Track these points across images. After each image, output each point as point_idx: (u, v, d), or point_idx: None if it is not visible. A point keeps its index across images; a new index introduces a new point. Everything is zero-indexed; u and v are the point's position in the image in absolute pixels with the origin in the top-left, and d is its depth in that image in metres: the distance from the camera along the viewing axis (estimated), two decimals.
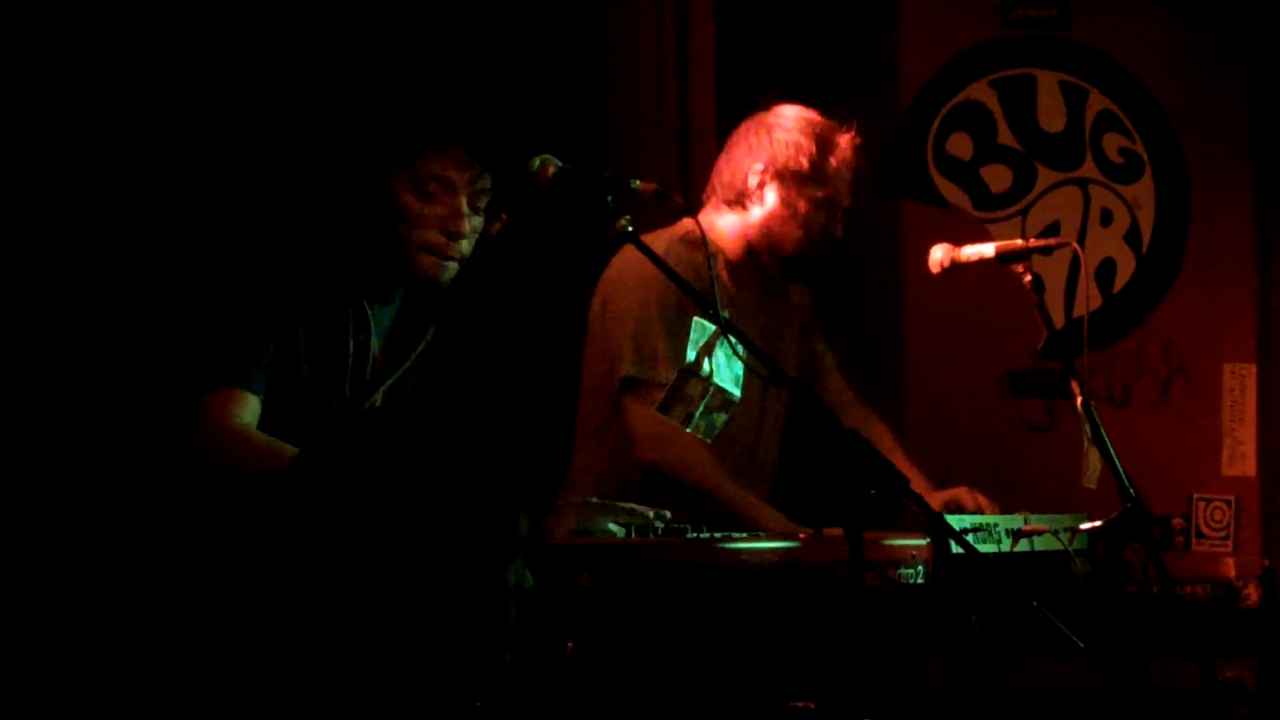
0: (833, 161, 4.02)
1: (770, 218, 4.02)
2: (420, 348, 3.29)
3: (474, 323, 3.40)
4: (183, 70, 3.91)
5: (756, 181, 4.02)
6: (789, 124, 4.04)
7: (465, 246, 3.23)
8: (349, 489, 3.06)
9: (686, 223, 3.89)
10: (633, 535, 3.35)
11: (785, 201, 4.01)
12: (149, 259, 3.83)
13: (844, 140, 4.03)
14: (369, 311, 3.24)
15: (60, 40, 3.77)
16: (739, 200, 4.04)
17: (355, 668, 3.11)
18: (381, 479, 3.08)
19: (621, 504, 3.46)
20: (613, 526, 3.35)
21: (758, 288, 4.08)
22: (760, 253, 4.05)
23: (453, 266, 3.23)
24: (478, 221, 3.25)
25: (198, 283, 3.49)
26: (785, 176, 4.00)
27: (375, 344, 3.25)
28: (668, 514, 3.47)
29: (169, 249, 3.84)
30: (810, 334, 4.25)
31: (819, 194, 4.02)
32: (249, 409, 3.13)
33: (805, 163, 4.00)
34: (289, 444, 3.11)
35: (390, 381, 3.25)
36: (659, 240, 3.77)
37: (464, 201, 3.21)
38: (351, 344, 3.22)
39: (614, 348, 3.93)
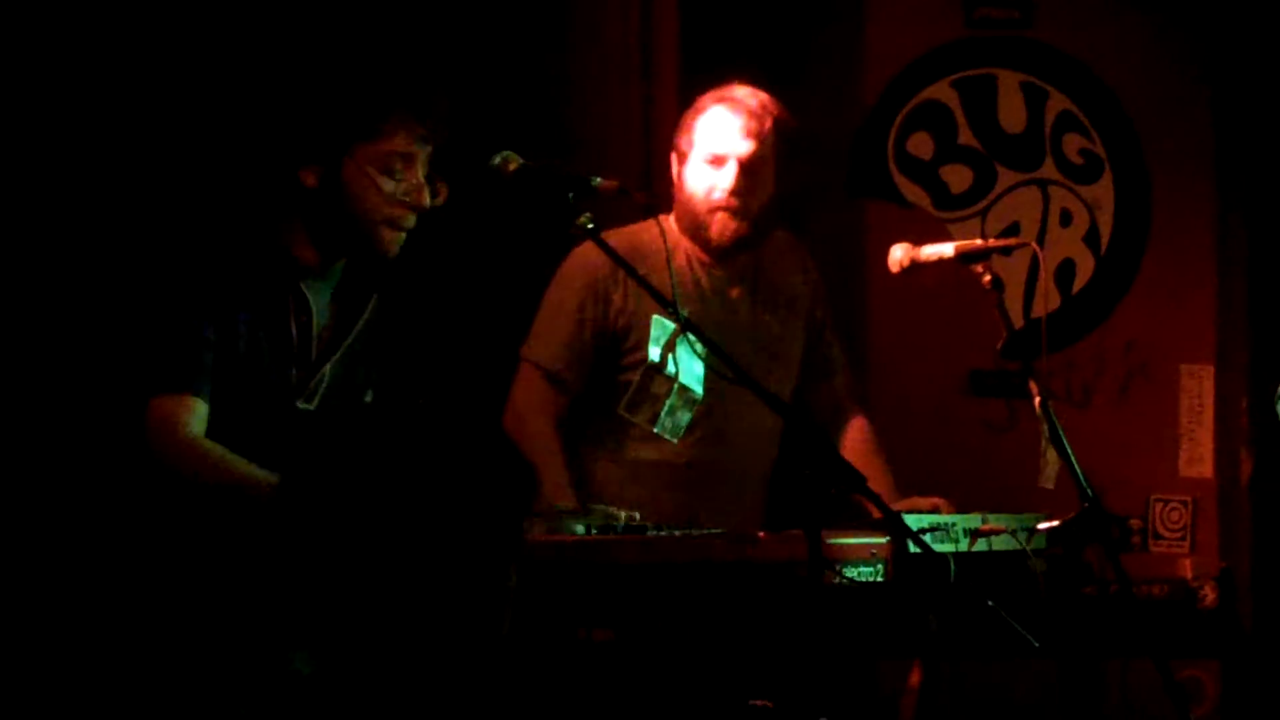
0: (697, 119, 3.95)
1: (677, 204, 3.99)
2: (362, 321, 3.32)
3: (417, 291, 3.46)
4: (126, 65, 3.87)
5: (675, 172, 4.00)
6: (695, 105, 4.00)
7: (414, 217, 3.28)
8: (344, 510, 3.10)
9: (648, 223, 3.87)
10: (594, 533, 3.37)
11: (678, 181, 3.98)
12: (84, 261, 3.79)
13: (710, 101, 3.96)
14: (307, 292, 3.26)
15: None
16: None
17: (362, 671, 3.16)
18: (375, 498, 3.12)
19: (595, 507, 3.48)
20: (579, 528, 3.37)
21: (734, 279, 4.04)
22: (696, 242, 3.99)
23: (403, 237, 3.27)
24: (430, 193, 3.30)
25: (135, 286, 3.46)
26: (677, 159, 3.98)
27: (317, 323, 3.27)
28: (637, 516, 3.49)
29: (102, 251, 3.80)
30: (821, 331, 4.19)
31: (698, 160, 3.94)
32: (196, 415, 3.13)
33: (681, 135, 3.96)
34: (239, 446, 3.12)
35: (336, 357, 3.28)
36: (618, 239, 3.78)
37: (421, 174, 3.25)
38: (294, 326, 3.24)
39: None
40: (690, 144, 3.95)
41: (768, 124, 3.93)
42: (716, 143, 3.92)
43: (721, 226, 3.94)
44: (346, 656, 3.15)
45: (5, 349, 3.70)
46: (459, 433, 3.53)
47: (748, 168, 3.92)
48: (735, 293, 4.02)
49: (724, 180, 3.92)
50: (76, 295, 3.75)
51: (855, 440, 4.11)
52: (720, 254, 3.99)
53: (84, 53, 3.82)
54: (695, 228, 3.96)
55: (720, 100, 3.95)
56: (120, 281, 3.67)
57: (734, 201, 3.92)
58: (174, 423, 3.11)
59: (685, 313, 3.32)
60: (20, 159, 3.75)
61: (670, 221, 3.98)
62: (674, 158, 4.00)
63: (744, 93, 3.96)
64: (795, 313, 4.11)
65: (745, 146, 3.92)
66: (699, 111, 3.96)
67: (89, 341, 3.71)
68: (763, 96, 3.97)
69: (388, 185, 3.22)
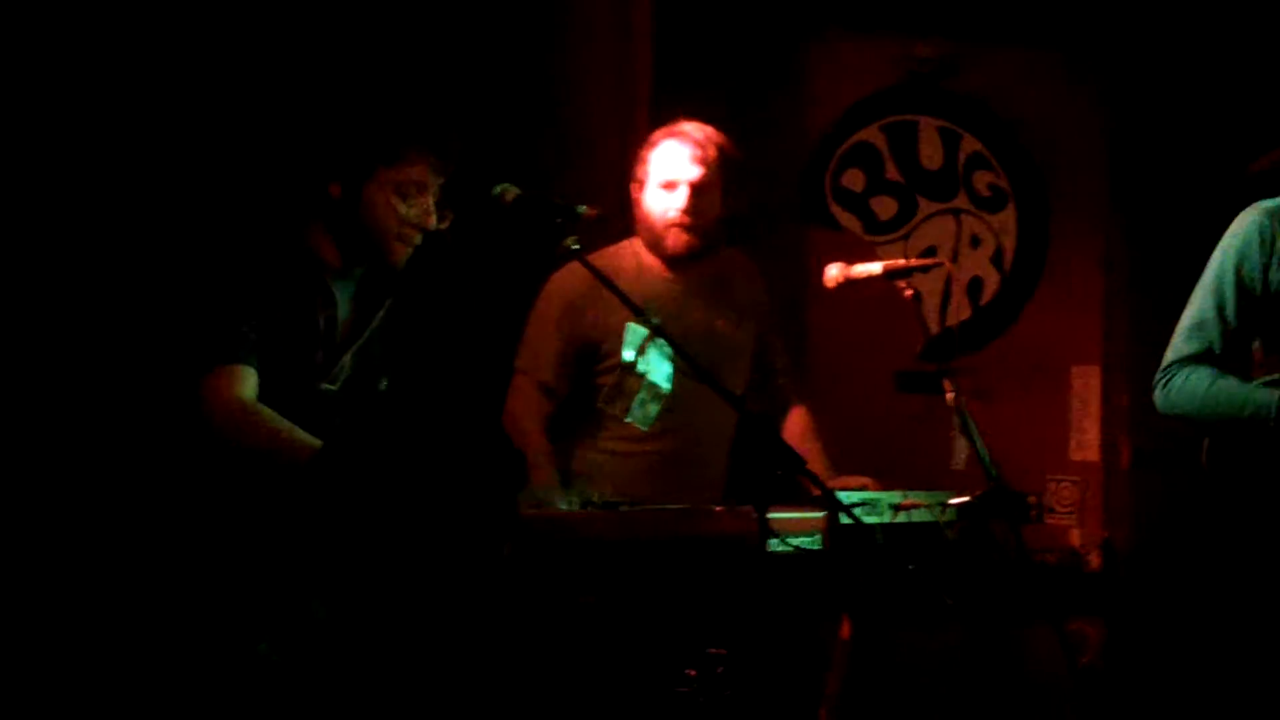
0: (652, 153, 3.92)
1: (639, 226, 3.95)
2: (378, 319, 3.32)
3: (427, 299, 3.45)
4: (184, 84, 3.85)
5: (636, 199, 3.95)
6: (649, 140, 3.98)
7: (420, 235, 3.29)
8: (369, 482, 3.08)
9: (625, 244, 3.92)
10: (576, 508, 3.36)
11: (636, 206, 3.94)
12: (139, 254, 3.75)
13: (663, 137, 3.93)
14: (333, 289, 3.25)
15: (52, 41, 3.68)
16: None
17: (375, 648, 3.16)
18: (399, 474, 3.10)
19: (576, 486, 3.50)
20: (561, 505, 3.37)
21: (692, 291, 3.98)
22: (656, 254, 3.94)
23: (410, 250, 3.27)
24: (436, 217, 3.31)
25: (187, 274, 3.42)
26: (634, 187, 3.94)
27: (341, 316, 3.26)
28: (608, 496, 3.49)
29: (160, 245, 3.76)
30: (768, 337, 4.13)
31: (654, 186, 3.90)
32: (250, 383, 3.09)
33: (637, 167, 3.94)
34: (287, 419, 3.10)
35: (355, 347, 3.27)
36: (600, 259, 3.74)
37: (432, 200, 3.25)
38: (321, 318, 3.22)
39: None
40: (647, 173, 3.92)
41: (712, 152, 3.89)
42: (669, 170, 3.90)
43: (675, 240, 3.91)
44: (359, 607, 3.14)
45: (61, 341, 3.68)
46: (461, 421, 3.53)
47: (697, 189, 3.88)
48: (695, 303, 3.99)
49: (677, 201, 3.89)
50: (134, 291, 3.73)
51: (797, 428, 4.08)
52: (676, 264, 3.96)
53: (166, 87, 3.83)
54: (654, 243, 3.93)
55: (671, 135, 3.92)
56: (175, 277, 3.63)
57: (686, 219, 3.89)
58: (230, 389, 3.08)
59: (656, 321, 3.33)
60: (91, 177, 3.74)
61: (639, 243, 3.98)
62: (634, 187, 3.97)
63: (691, 127, 3.93)
64: (746, 321, 4.07)
65: (694, 172, 3.88)
66: (653, 145, 3.94)
67: (142, 330, 3.69)
68: (708, 130, 3.93)
69: (401, 207, 3.22)
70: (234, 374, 3.08)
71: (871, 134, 5.20)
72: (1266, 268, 3.26)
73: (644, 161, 3.93)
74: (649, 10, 4.71)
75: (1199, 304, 3.33)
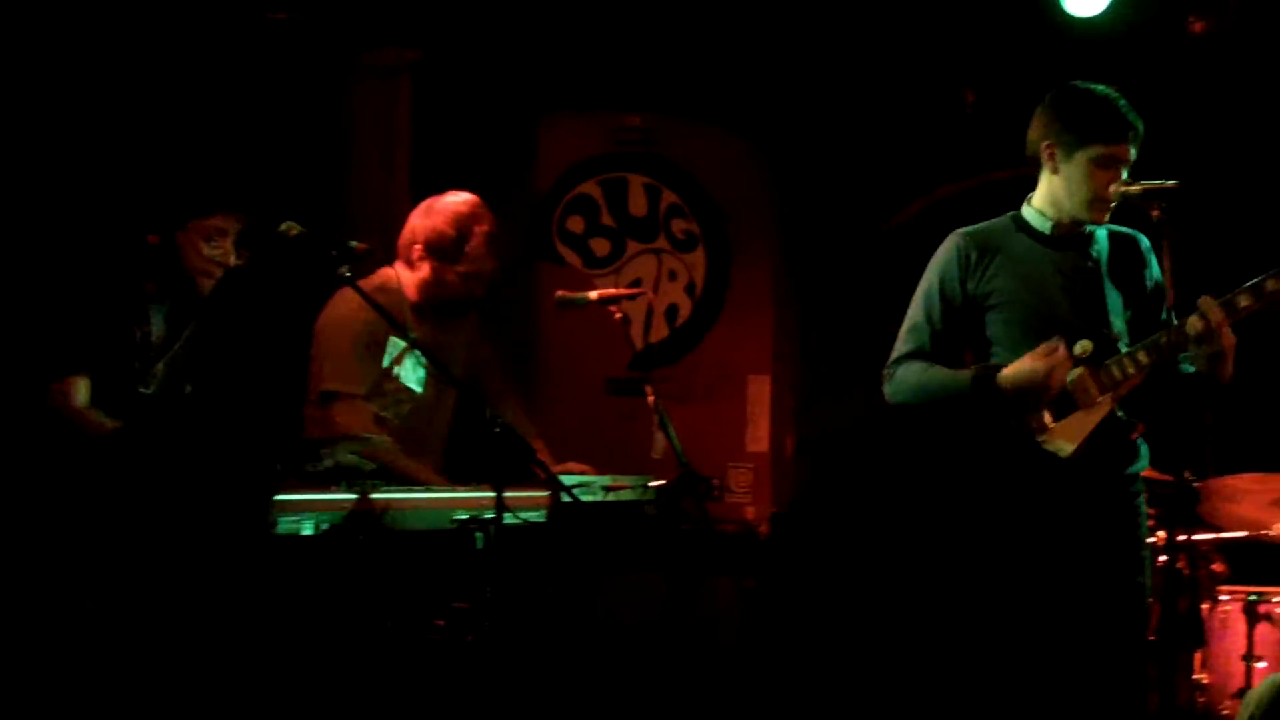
0: (468, 245, 3.84)
1: (426, 282, 3.87)
2: (184, 337, 3.48)
3: (222, 320, 3.56)
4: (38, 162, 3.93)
5: (417, 254, 3.86)
6: (443, 210, 3.84)
7: (221, 271, 3.45)
8: (150, 456, 3.18)
9: (385, 272, 3.89)
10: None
11: (435, 271, 3.85)
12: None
13: (479, 228, 3.84)
14: (150, 313, 3.42)
15: None
16: (410, 264, 3.88)
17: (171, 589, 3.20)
18: (173, 449, 3.22)
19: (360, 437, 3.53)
20: (350, 456, 3.41)
21: (434, 317, 3.91)
22: (426, 301, 3.89)
23: (212, 283, 3.45)
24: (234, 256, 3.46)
25: (37, 305, 3.50)
26: (433, 253, 3.84)
27: (155, 333, 3.43)
28: (389, 440, 3.57)
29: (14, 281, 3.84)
30: (476, 344, 4.05)
31: (459, 268, 3.84)
32: (84, 389, 3.30)
33: (448, 245, 3.83)
34: (113, 416, 3.29)
35: (166, 358, 3.44)
36: (368, 285, 3.71)
37: (230, 244, 3.42)
38: (139, 334, 3.40)
39: (317, 367, 3.80)
40: (453, 257, 3.83)
41: (494, 225, 3.87)
42: (478, 260, 3.85)
43: (467, 302, 3.91)
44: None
45: None
46: (249, 413, 3.57)
47: (494, 269, 3.91)
48: (434, 323, 3.92)
49: (481, 287, 3.90)
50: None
51: (515, 419, 3.97)
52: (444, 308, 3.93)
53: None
54: (439, 300, 3.87)
55: (475, 221, 3.83)
56: (26, 306, 3.69)
57: (483, 293, 3.92)
58: (71, 395, 3.29)
59: (414, 336, 3.45)
60: None
61: (400, 269, 3.92)
62: (431, 250, 3.84)
63: (477, 207, 3.85)
64: (461, 339, 3.99)
65: (492, 262, 3.89)
66: (463, 235, 3.82)
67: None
68: (481, 203, 3.87)
69: (206, 250, 3.42)
70: (74, 383, 3.29)
71: (590, 188, 5.29)
72: (964, 281, 3.29)
73: (449, 242, 3.80)
74: (410, 92, 4.79)
75: (913, 312, 3.34)
